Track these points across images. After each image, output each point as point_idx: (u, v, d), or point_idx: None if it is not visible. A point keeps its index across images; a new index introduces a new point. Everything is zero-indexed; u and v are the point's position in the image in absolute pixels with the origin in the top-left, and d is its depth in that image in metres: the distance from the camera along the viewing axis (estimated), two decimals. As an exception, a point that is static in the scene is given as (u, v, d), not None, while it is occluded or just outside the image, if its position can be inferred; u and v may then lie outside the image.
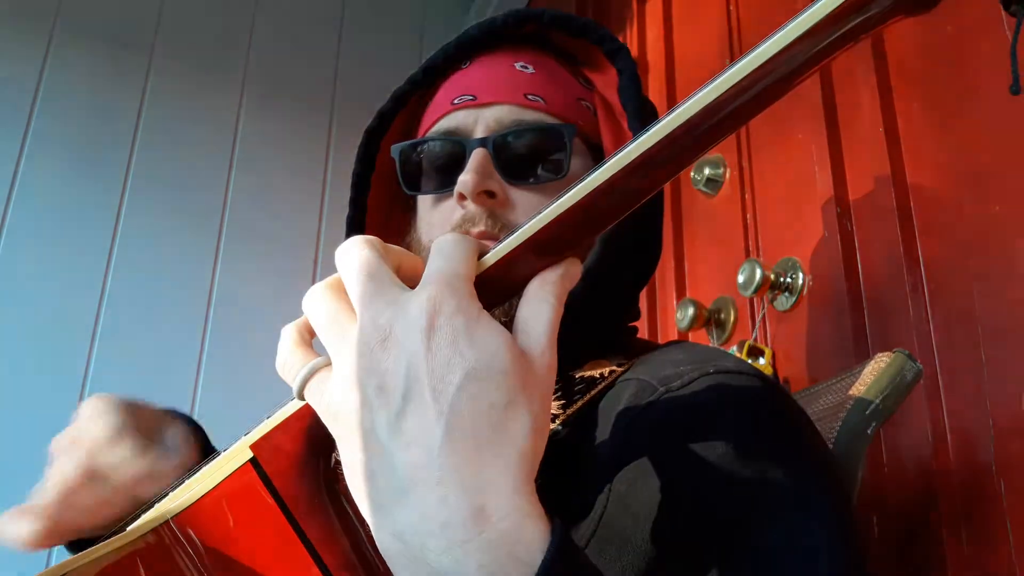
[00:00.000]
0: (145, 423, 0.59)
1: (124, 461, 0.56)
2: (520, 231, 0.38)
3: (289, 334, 0.40)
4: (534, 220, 0.38)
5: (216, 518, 0.39)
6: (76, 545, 0.62)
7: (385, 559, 0.35)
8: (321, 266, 1.93)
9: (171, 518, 0.40)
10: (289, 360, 0.39)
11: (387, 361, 0.35)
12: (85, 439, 0.56)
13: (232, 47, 2.02)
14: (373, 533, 0.35)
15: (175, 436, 0.60)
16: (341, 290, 0.38)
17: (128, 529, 0.40)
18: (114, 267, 1.74)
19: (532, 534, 0.33)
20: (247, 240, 1.88)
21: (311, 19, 2.15)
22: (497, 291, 0.39)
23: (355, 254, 0.38)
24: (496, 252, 0.39)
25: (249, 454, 0.40)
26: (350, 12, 2.20)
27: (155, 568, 0.38)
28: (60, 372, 1.62)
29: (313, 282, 2.03)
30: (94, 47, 1.86)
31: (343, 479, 0.36)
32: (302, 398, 0.38)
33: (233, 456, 0.40)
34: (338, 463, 0.42)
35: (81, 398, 1.61)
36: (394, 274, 0.37)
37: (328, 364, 0.37)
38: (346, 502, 0.40)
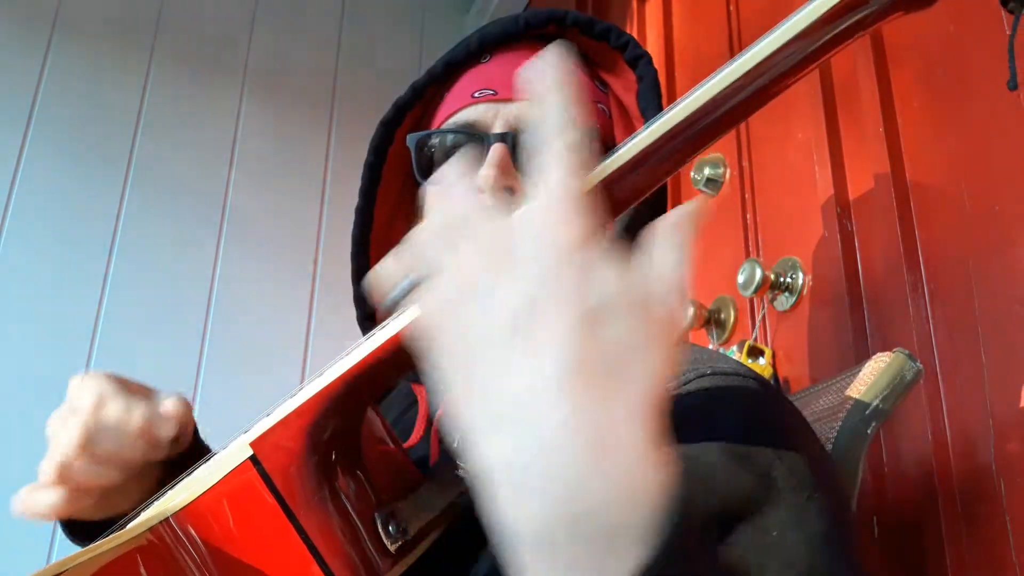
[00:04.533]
0: (135, 387, 0.61)
1: (124, 412, 0.57)
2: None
3: (395, 251, 0.38)
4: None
5: (216, 516, 0.39)
6: (77, 529, 0.63)
7: (485, 484, 0.32)
8: (321, 266, 1.93)
9: (171, 515, 0.40)
10: (388, 270, 0.37)
11: (508, 277, 0.32)
12: (79, 406, 0.58)
13: (232, 47, 2.01)
14: (474, 451, 0.33)
15: (168, 396, 0.62)
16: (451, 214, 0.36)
17: (128, 527, 0.40)
18: (114, 267, 1.74)
19: (653, 478, 0.31)
20: (247, 240, 1.87)
21: (311, 19, 2.15)
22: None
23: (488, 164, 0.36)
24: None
25: (249, 452, 0.40)
26: (350, 12, 2.20)
27: (155, 565, 0.38)
28: (60, 372, 1.62)
29: (313, 282, 2.04)
30: (94, 47, 1.86)
31: (342, 476, 0.36)
32: (398, 312, 0.37)
33: (233, 454, 0.40)
34: (338, 460, 0.42)
35: (81, 398, 1.61)
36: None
37: (431, 278, 0.35)
38: (345, 499, 0.40)
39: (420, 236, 0.36)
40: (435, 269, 0.35)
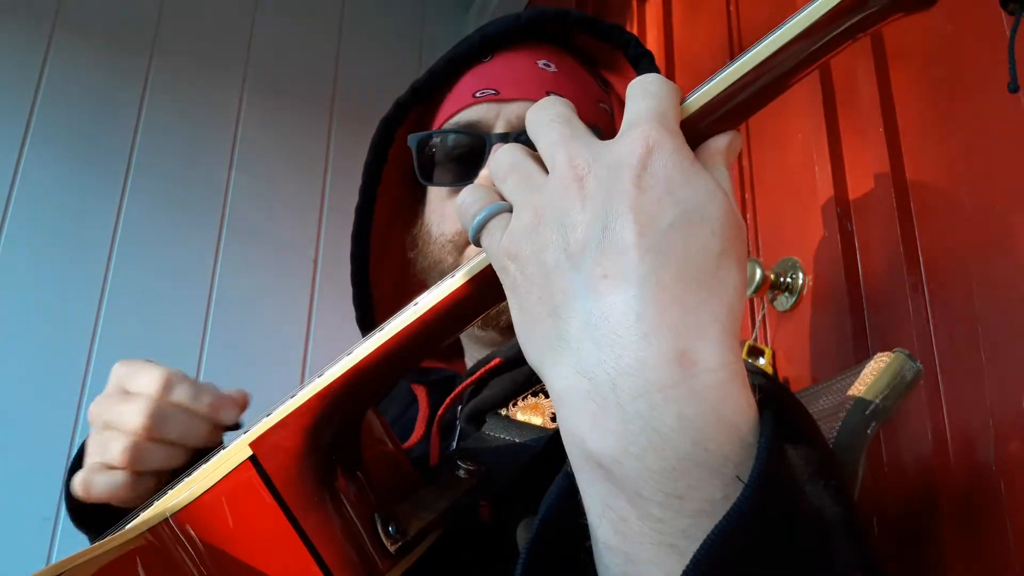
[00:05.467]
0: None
1: (192, 396, 0.56)
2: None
3: (477, 181, 0.38)
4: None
5: (215, 516, 0.39)
6: (83, 516, 0.63)
7: (561, 403, 0.32)
8: (321, 266, 1.93)
9: (170, 516, 0.40)
10: (469, 200, 0.37)
11: (584, 199, 0.32)
12: (142, 389, 0.57)
13: (232, 47, 2.01)
14: (549, 373, 0.32)
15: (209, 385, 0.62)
16: (528, 149, 0.37)
17: (127, 527, 0.40)
18: (114, 267, 1.74)
19: (741, 398, 0.30)
20: (247, 240, 1.87)
21: (311, 19, 2.15)
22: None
23: (549, 107, 0.36)
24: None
25: (248, 452, 0.40)
26: (350, 12, 2.20)
27: (154, 567, 0.38)
28: (60, 372, 1.62)
29: (313, 282, 2.03)
30: (94, 47, 1.86)
31: (342, 476, 0.36)
32: (477, 243, 0.37)
33: (232, 454, 0.40)
34: (338, 461, 0.42)
35: (81, 398, 1.61)
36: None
37: (510, 209, 0.36)
38: (345, 500, 0.40)
39: (497, 165, 0.37)
40: (512, 199, 0.35)
